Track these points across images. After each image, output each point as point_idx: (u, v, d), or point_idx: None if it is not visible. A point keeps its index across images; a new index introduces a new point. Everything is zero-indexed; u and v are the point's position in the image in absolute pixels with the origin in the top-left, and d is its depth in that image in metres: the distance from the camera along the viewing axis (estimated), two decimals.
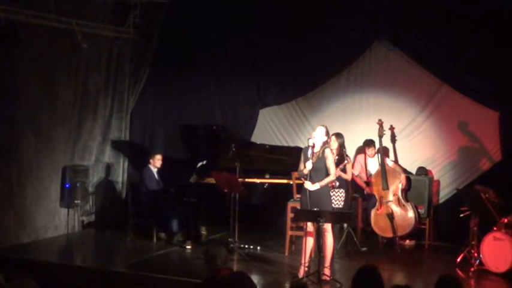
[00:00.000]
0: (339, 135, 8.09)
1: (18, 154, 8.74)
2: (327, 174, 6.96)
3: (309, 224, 7.01)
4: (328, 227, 6.97)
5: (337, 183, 7.84)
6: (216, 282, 4.80)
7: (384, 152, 8.84)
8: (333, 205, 7.42)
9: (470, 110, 8.99)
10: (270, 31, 9.75)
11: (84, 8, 9.39)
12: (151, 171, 9.27)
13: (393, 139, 9.23)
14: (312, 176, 6.91)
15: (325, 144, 7.07)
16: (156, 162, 9.29)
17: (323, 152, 6.98)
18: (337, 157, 7.83)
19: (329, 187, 7.25)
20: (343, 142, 8.13)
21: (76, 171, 9.48)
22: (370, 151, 9.02)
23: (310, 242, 7.10)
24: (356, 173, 9.01)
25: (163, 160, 9.38)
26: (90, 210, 9.99)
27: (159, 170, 9.33)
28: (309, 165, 6.89)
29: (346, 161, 8.14)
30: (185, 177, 9.28)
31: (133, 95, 10.59)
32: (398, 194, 8.66)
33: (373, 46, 9.54)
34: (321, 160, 6.95)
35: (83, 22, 9.24)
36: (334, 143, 7.96)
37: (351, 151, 9.29)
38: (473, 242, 7.73)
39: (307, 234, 7.05)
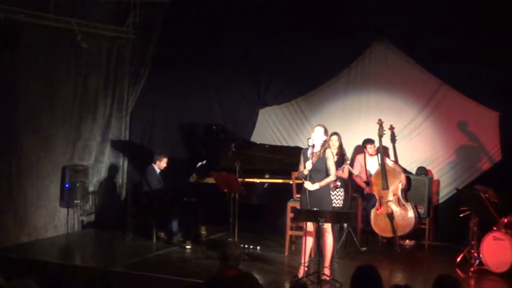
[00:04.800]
0: (339, 135, 8.12)
1: (18, 154, 8.74)
2: (327, 174, 6.96)
3: (309, 223, 7.02)
4: (328, 226, 6.97)
5: (339, 183, 7.87)
6: (223, 282, 4.81)
7: (383, 151, 8.84)
8: (333, 205, 7.44)
9: (470, 110, 8.98)
10: (270, 31, 9.75)
11: (83, 8, 9.39)
12: (154, 171, 9.27)
13: (393, 139, 9.24)
14: (312, 176, 6.90)
15: (325, 143, 7.07)
16: (161, 165, 9.29)
17: (324, 152, 6.98)
18: (336, 157, 7.84)
19: (330, 187, 7.26)
20: (341, 142, 8.17)
21: (76, 171, 9.47)
22: (370, 149, 8.99)
23: (309, 242, 7.10)
24: (356, 172, 9.00)
25: None
26: (89, 210, 9.99)
27: (161, 172, 9.33)
28: (309, 165, 6.88)
29: (348, 161, 8.18)
30: (185, 177, 9.28)
31: (133, 95, 10.59)
32: (398, 194, 8.65)
33: (373, 46, 9.54)
34: (321, 160, 6.95)
35: (83, 22, 9.24)
36: (336, 143, 7.99)
37: (351, 151, 9.32)
38: (473, 242, 7.73)
39: (306, 233, 7.05)
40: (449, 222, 8.88)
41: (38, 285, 4.13)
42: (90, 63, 9.76)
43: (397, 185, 8.66)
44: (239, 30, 9.89)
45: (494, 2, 8.48)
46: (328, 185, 7.05)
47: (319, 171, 6.94)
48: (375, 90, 9.57)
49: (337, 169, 7.35)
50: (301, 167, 7.08)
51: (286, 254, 8.32)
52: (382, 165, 8.71)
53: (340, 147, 8.12)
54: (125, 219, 9.50)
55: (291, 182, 8.43)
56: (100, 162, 10.17)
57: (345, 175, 8.27)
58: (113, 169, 10.38)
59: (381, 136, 8.80)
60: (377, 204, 8.71)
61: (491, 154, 8.91)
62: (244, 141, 9.47)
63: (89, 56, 9.65)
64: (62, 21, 8.92)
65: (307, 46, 9.60)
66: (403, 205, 8.62)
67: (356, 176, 8.95)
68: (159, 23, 10.30)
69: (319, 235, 6.91)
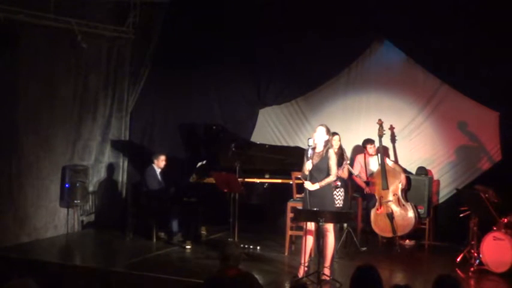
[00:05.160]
0: (339, 135, 8.14)
1: (18, 154, 8.74)
2: (329, 174, 6.96)
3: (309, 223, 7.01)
4: (329, 226, 6.97)
5: (339, 183, 7.86)
6: (223, 282, 4.81)
7: (383, 151, 8.84)
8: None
9: (470, 109, 8.99)
10: (270, 31, 9.74)
11: (83, 8, 9.39)
12: (154, 171, 9.26)
13: (393, 139, 9.24)
14: (315, 176, 6.89)
15: (328, 143, 7.07)
16: (160, 163, 9.28)
17: (326, 151, 6.97)
18: (336, 156, 7.83)
19: (331, 186, 7.25)
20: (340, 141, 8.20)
21: (76, 171, 9.47)
22: (370, 149, 8.98)
23: (310, 241, 7.09)
24: (356, 172, 9.00)
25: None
26: (89, 210, 9.99)
27: (162, 171, 9.33)
28: (309, 165, 6.88)
29: (348, 161, 8.17)
30: (185, 177, 9.28)
31: (133, 95, 10.58)
32: (398, 194, 8.66)
33: (373, 46, 9.54)
34: (324, 160, 6.95)
35: (83, 22, 9.23)
36: (338, 142, 8.03)
37: (351, 151, 9.32)
38: (473, 242, 7.73)
39: (306, 233, 7.05)
40: (449, 222, 8.88)
41: (38, 285, 4.12)
42: (90, 63, 9.76)
43: (397, 185, 8.67)
44: (239, 30, 9.88)
45: (494, 2, 8.48)
46: (329, 184, 7.05)
47: (322, 171, 6.93)
48: (375, 90, 9.57)
49: (337, 169, 7.35)
50: (304, 167, 7.08)
51: (286, 254, 8.32)
52: (382, 165, 8.71)
53: (340, 147, 8.15)
54: (125, 219, 9.51)
55: (291, 182, 8.42)
56: (100, 162, 10.17)
57: (345, 175, 8.30)
58: (113, 169, 10.38)
59: (380, 136, 8.80)
60: (377, 204, 8.71)
61: (491, 154, 8.91)
62: (244, 141, 9.47)
63: (89, 56, 9.65)
64: (62, 21, 8.91)
65: (307, 46, 9.60)
66: (403, 205, 8.62)
67: (356, 176, 8.96)
68: (159, 23, 10.30)
69: (319, 235, 6.91)
